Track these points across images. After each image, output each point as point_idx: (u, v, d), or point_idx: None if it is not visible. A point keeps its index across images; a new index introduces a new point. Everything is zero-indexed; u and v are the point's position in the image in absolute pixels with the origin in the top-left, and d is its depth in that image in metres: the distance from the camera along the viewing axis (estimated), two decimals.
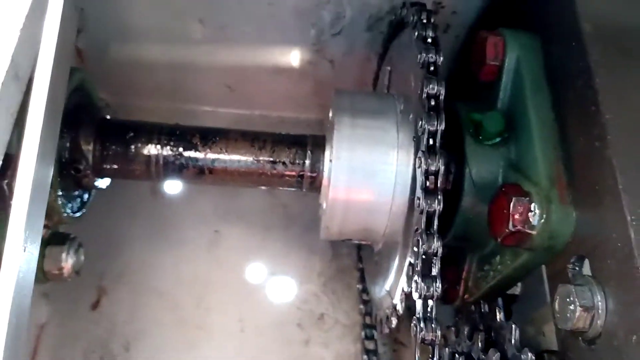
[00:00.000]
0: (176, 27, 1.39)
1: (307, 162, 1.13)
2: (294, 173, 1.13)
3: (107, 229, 1.43)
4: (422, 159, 0.87)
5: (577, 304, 0.78)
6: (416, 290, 0.83)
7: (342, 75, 1.51)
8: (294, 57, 1.48)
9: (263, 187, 1.19)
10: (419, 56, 0.94)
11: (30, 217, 0.69)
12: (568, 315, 0.79)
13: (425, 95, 0.90)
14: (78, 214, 1.13)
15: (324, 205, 1.09)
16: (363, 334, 1.35)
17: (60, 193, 1.04)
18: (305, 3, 1.31)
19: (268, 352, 1.38)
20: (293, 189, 1.17)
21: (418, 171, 0.88)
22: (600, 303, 0.77)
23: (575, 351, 0.84)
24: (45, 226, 1.07)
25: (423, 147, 0.88)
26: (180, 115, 1.55)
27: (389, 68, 1.27)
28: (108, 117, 1.16)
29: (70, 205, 1.10)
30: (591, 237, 0.83)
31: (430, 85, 0.90)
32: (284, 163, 1.13)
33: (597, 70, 0.87)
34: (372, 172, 1.02)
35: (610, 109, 0.83)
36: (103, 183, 1.18)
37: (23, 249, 0.68)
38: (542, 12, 1.06)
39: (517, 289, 1.18)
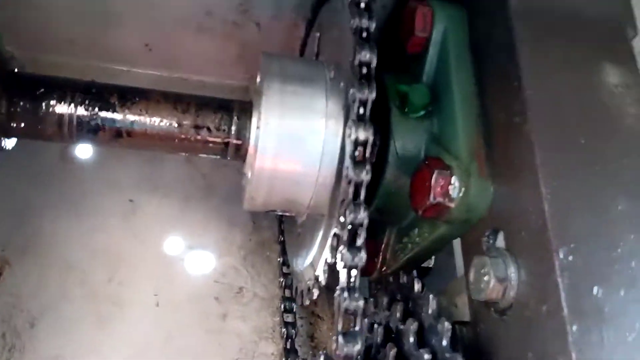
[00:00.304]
0: None
1: (233, 128, 1.10)
2: (219, 139, 1.11)
3: (12, 195, 1.35)
4: (353, 128, 0.88)
5: (492, 275, 0.82)
6: (341, 260, 0.85)
7: (269, 40, 1.49)
8: (218, 17, 1.44)
9: (184, 154, 1.16)
10: (351, 22, 0.95)
11: None
12: (482, 286, 0.83)
13: (357, 62, 0.91)
14: None
15: (249, 175, 1.08)
16: (282, 306, 1.36)
17: None
18: None
19: (184, 327, 1.35)
20: (216, 157, 1.15)
21: (347, 140, 0.89)
22: (513, 274, 0.81)
23: (486, 322, 0.88)
24: None
25: (353, 116, 0.89)
26: (94, 74, 1.45)
27: (318, 34, 1.27)
28: (16, 70, 1.08)
29: None
30: (507, 210, 0.87)
31: (363, 52, 0.91)
32: (208, 128, 1.10)
33: (521, 47, 0.90)
34: (300, 140, 1.01)
35: (532, 85, 0.86)
36: (9, 143, 1.10)
37: None
38: None
39: (430, 262, 1.25)
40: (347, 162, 0.88)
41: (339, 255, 0.85)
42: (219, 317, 1.38)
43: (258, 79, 1.13)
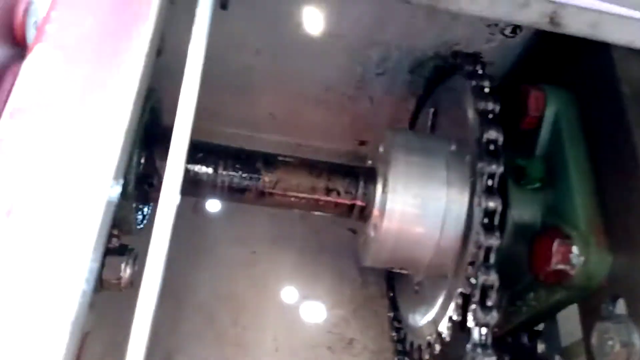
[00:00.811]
0: (232, 56, 1.50)
1: (360, 191, 1.23)
2: (346, 201, 1.23)
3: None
4: (482, 198, 0.99)
5: (616, 340, 0.88)
6: (474, 319, 0.93)
7: (380, 112, 1.63)
8: (337, 92, 1.60)
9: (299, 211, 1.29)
10: (477, 104, 1.07)
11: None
12: (606, 350, 0.89)
13: (485, 140, 1.02)
14: (141, 226, 1.22)
15: (373, 234, 1.19)
16: None
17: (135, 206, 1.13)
18: (357, 43, 1.44)
19: None
20: (342, 217, 1.27)
21: (477, 209, 0.99)
22: (636, 340, 0.87)
23: None
24: (116, 236, 1.16)
25: (482, 187, 0.99)
26: (220, 138, 1.65)
27: (432, 110, 1.40)
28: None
29: (137, 218, 1.19)
30: (627, 279, 0.94)
31: (490, 132, 1.02)
32: (338, 192, 1.23)
33: (636, 129, 1.00)
34: (424, 205, 1.13)
35: None
36: None
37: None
38: (579, 71, 1.18)
39: (540, 326, 1.29)
40: (477, 228, 0.98)
41: (470, 314, 0.94)
42: None
43: (381, 149, 1.25)
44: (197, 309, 1.48)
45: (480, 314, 0.92)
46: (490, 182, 0.99)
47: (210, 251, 1.55)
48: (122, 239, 1.26)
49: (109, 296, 1.37)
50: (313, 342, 1.49)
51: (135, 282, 1.26)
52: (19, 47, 0.87)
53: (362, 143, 1.77)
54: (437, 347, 1.09)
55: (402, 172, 1.15)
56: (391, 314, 1.48)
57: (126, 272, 1.22)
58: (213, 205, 1.61)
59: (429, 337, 1.12)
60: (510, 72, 1.45)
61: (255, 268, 1.56)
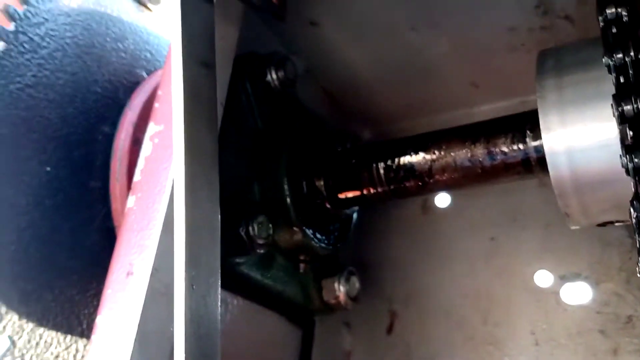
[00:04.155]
0: (389, 46, 1.46)
1: (530, 143, 1.05)
2: (516, 160, 1.07)
3: (387, 251, 1.55)
4: None
5: None
6: None
7: (587, 28, 1.32)
8: (523, 28, 1.37)
9: (495, 185, 1.15)
10: None
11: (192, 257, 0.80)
12: None
13: None
14: (330, 247, 1.29)
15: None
16: None
17: (309, 231, 1.22)
18: None
19: None
20: (525, 179, 1.09)
21: None
22: None
23: None
24: (304, 260, 1.28)
25: None
26: (435, 126, 1.60)
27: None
28: (339, 149, 1.32)
29: (324, 238, 1.27)
30: None
31: None
32: (503, 152, 1.08)
33: None
34: (593, 133, 0.89)
35: None
36: (350, 211, 1.33)
37: (191, 287, 0.79)
38: None
39: None
40: None
41: None
42: (609, 352, 1.21)
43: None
44: (445, 312, 1.43)
45: None
46: None
47: (447, 248, 1.50)
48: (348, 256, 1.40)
49: (362, 314, 1.48)
50: (580, 327, 1.26)
51: (358, 298, 1.36)
52: None
53: None
54: None
55: (553, 101, 0.94)
56: None
57: (340, 290, 1.34)
58: (442, 200, 1.57)
59: None
60: None
61: (496, 256, 1.42)
